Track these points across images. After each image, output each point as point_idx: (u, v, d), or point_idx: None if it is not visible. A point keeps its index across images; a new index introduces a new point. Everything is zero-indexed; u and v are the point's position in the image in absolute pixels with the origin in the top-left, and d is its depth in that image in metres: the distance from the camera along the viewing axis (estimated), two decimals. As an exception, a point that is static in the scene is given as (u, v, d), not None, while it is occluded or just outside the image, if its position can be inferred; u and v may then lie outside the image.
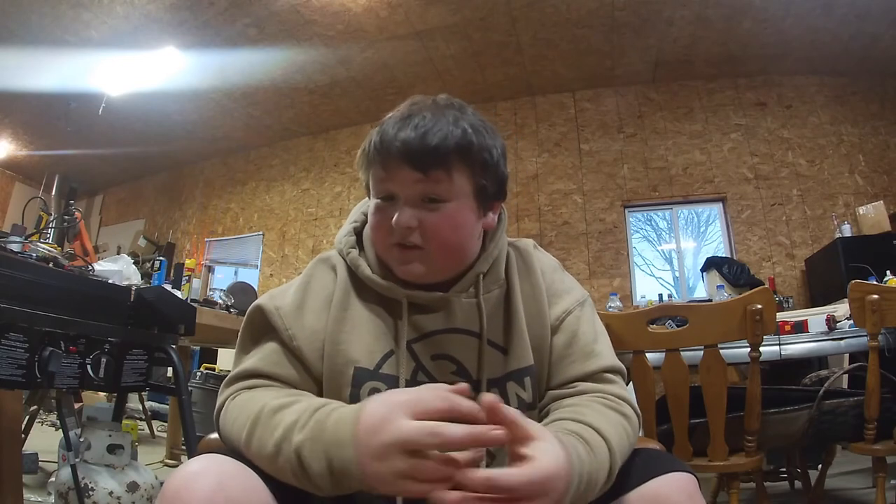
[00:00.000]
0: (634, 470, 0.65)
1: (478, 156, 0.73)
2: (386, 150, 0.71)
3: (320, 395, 0.73)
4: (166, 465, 2.92)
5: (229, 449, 0.67)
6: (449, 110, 0.73)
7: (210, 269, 6.70)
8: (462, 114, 0.73)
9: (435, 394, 0.55)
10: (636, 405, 0.73)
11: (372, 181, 0.75)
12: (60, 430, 1.56)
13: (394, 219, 0.71)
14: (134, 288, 1.71)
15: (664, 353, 1.48)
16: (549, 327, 0.78)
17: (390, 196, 0.73)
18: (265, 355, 0.74)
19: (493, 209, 0.78)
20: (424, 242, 0.72)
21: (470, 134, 0.72)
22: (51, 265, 1.50)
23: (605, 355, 0.77)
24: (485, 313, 0.76)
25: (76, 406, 2.60)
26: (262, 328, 0.76)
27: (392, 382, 0.73)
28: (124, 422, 2.21)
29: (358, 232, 0.83)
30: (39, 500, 1.96)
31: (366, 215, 0.84)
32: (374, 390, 0.72)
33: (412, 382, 0.73)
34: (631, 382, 1.58)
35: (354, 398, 0.71)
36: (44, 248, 1.59)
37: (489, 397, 0.54)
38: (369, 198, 0.80)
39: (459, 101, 0.76)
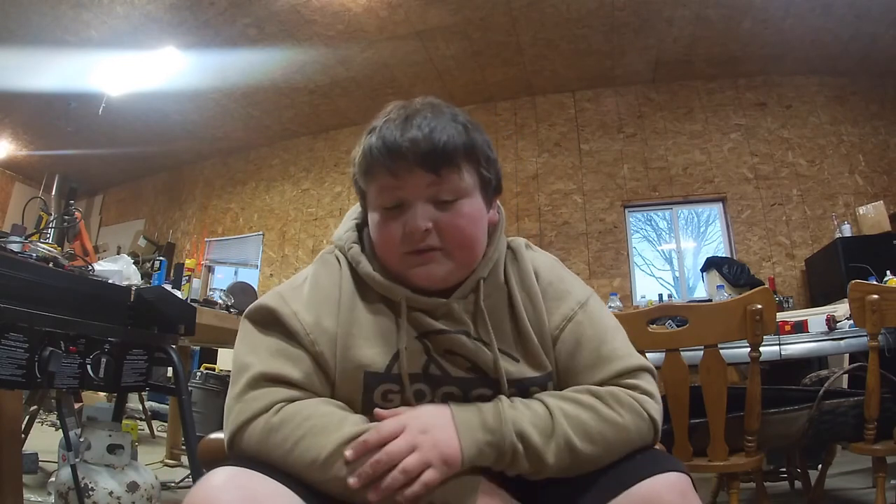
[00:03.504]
0: (627, 470, 0.63)
1: (481, 150, 0.73)
2: (393, 154, 0.68)
3: (332, 397, 0.71)
4: (166, 465, 2.92)
5: (252, 460, 0.63)
6: (443, 108, 0.73)
7: (210, 269, 6.70)
8: (452, 111, 0.73)
9: None
10: (648, 400, 0.69)
11: (375, 190, 0.72)
12: (60, 430, 1.56)
13: (406, 225, 0.69)
14: (134, 288, 1.71)
15: (664, 353, 1.48)
16: (550, 334, 0.74)
17: (399, 203, 0.70)
18: (290, 363, 0.69)
19: (492, 204, 0.78)
20: (442, 242, 0.70)
21: (471, 129, 0.72)
22: (51, 265, 1.50)
23: (619, 357, 0.72)
24: (488, 318, 0.73)
25: (76, 406, 2.60)
26: (277, 331, 0.72)
27: (402, 382, 0.71)
28: (124, 422, 2.21)
29: (360, 228, 0.80)
30: (39, 500, 1.96)
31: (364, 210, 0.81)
32: (387, 392, 0.70)
33: (424, 376, 0.71)
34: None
35: (367, 403, 0.70)
36: (44, 248, 1.59)
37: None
38: (364, 209, 0.77)
39: (445, 102, 0.75)
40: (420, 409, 0.68)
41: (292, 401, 0.68)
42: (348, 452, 0.60)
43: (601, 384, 0.70)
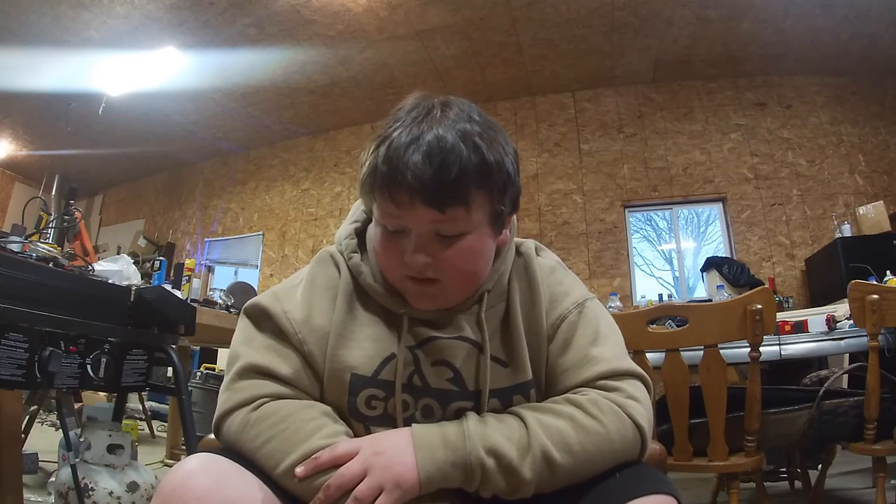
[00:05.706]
0: (609, 491, 0.60)
1: (497, 179, 0.66)
2: (395, 181, 0.63)
3: (321, 397, 0.71)
4: (166, 465, 2.92)
5: (225, 448, 0.66)
6: (459, 123, 0.64)
7: (210, 269, 6.69)
8: (472, 124, 0.65)
9: None
10: (633, 404, 0.66)
11: (378, 209, 0.68)
12: (60, 430, 1.56)
13: (406, 255, 0.66)
14: (134, 288, 1.71)
15: (664, 353, 1.48)
16: (546, 336, 0.73)
17: (401, 230, 0.67)
18: (280, 359, 0.70)
19: (506, 225, 0.73)
20: (439, 275, 0.67)
21: (486, 153, 0.64)
22: (51, 265, 1.50)
23: (606, 359, 0.70)
24: (486, 330, 0.73)
25: (76, 406, 2.60)
26: (268, 329, 0.73)
27: (388, 388, 0.70)
28: (124, 422, 2.20)
29: (360, 233, 0.78)
30: (39, 500, 1.96)
31: (367, 213, 0.79)
32: (371, 398, 0.70)
33: (408, 386, 0.71)
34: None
35: (352, 405, 0.70)
36: (44, 248, 1.59)
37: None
38: (371, 218, 0.74)
39: (468, 105, 0.69)
40: (383, 432, 0.67)
41: (278, 397, 0.68)
42: (299, 469, 0.60)
43: (583, 385, 0.69)
